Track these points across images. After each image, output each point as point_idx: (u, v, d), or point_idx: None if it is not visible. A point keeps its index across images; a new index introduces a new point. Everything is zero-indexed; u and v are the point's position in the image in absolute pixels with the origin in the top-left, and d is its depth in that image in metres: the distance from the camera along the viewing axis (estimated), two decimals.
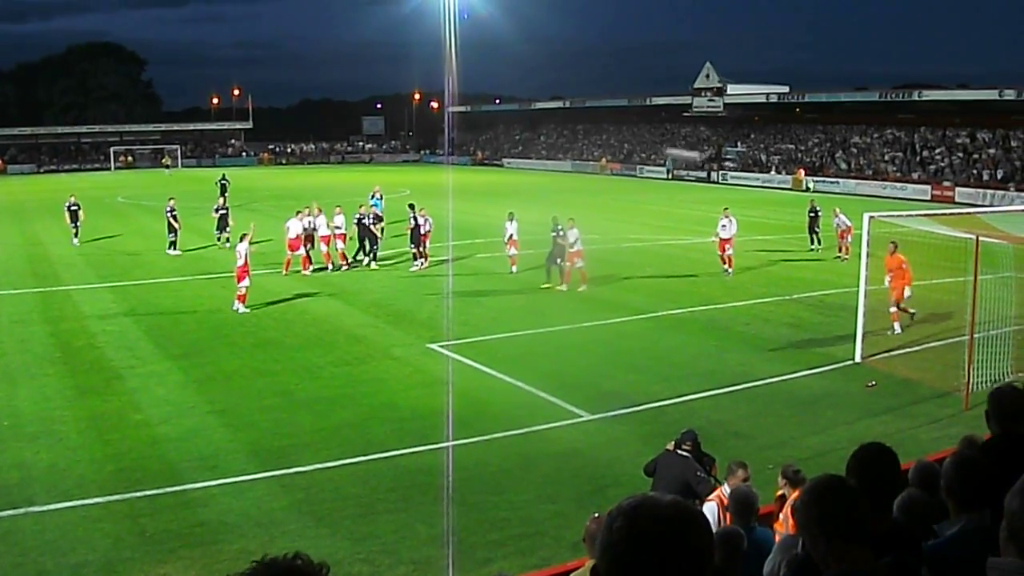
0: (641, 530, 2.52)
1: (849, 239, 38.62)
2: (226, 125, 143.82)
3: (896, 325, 25.67)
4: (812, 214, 42.72)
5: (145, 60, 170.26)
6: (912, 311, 26.31)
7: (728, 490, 10.90)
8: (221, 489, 15.04)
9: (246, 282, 29.14)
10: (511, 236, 36.07)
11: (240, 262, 29.26)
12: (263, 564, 2.58)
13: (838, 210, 40.35)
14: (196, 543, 13.07)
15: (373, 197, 44.17)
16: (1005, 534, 3.56)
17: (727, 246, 36.07)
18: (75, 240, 45.28)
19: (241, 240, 30.31)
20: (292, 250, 36.12)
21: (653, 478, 12.14)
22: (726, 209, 37.43)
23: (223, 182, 62.90)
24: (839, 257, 39.12)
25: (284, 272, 35.29)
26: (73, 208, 46.05)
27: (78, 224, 45.73)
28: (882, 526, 4.48)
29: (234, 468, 15.90)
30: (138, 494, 14.73)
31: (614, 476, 15.34)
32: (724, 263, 35.96)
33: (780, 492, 10.58)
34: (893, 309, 25.78)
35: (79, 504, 14.37)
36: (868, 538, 3.84)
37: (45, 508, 14.21)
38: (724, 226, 36.28)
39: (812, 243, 42.35)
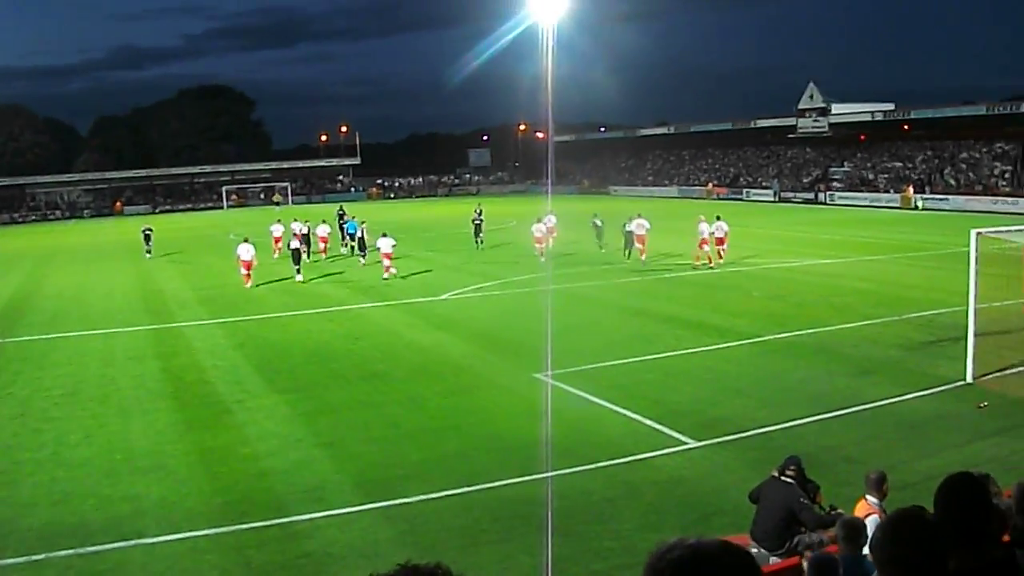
0: None
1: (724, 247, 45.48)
2: (335, 161, 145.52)
3: None
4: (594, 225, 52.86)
5: (255, 100, 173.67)
6: None
7: (875, 501, 10.73)
8: (326, 521, 15.07)
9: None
10: (379, 248, 44.87)
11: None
12: (406, 569, 2.50)
13: (703, 218, 45.59)
14: (300, 575, 13.10)
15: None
16: None
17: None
18: (148, 255, 58.00)
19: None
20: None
21: (757, 505, 11.93)
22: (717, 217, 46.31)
23: (340, 212, 64.55)
24: (705, 264, 44.52)
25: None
26: (147, 232, 59.60)
27: (150, 244, 58.89)
28: (973, 560, 4.23)
29: (340, 500, 15.91)
30: (245, 526, 14.84)
31: (719, 504, 15.09)
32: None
33: None
34: None
35: (187, 536, 14.52)
36: (945, 572, 3.65)
37: (154, 540, 14.39)
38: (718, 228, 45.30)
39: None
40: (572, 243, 54.21)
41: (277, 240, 55.70)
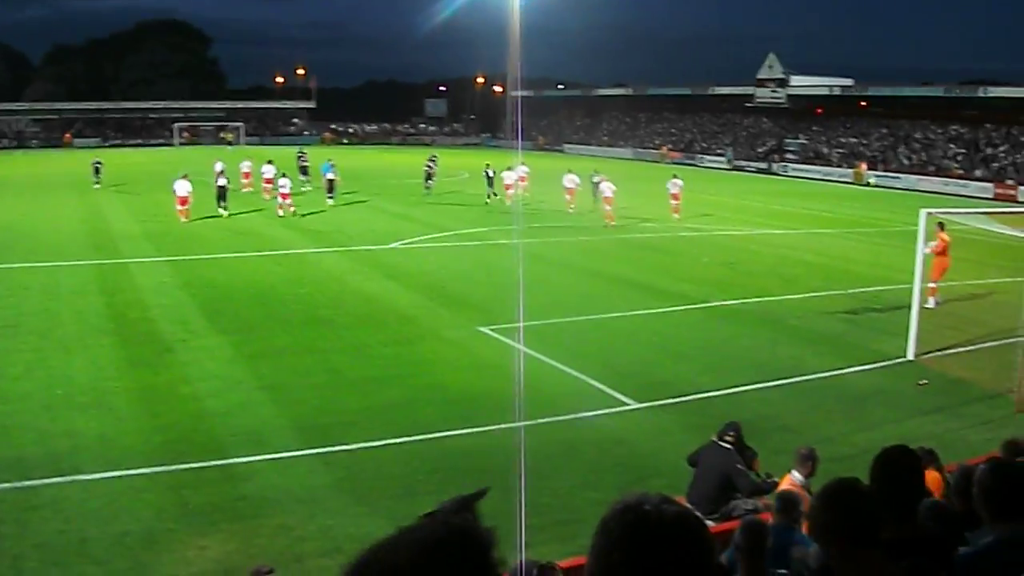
0: (647, 555, 2.42)
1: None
2: (289, 104, 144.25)
3: (931, 300, 26.83)
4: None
5: (211, 38, 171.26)
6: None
7: (799, 478, 10.85)
8: (264, 464, 15.09)
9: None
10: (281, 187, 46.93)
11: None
12: (435, 519, 2.48)
13: (603, 176, 48.47)
14: (237, 517, 13.11)
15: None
16: None
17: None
18: (96, 186, 59.18)
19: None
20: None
21: (694, 469, 12.06)
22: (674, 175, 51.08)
23: (300, 154, 64.17)
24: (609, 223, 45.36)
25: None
26: (97, 165, 60.78)
27: (100, 176, 60.06)
28: (904, 531, 4.32)
29: (279, 444, 15.93)
30: (183, 466, 14.84)
31: (656, 466, 15.24)
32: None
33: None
34: (931, 284, 26.82)
35: (125, 474, 14.48)
36: (878, 542, 3.73)
37: (92, 476, 14.36)
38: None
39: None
40: (530, 199, 54.64)
41: (246, 175, 58.61)
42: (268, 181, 53.92)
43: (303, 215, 45.88)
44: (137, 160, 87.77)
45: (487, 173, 55.61)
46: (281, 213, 45.63)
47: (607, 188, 46.07)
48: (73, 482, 14.16)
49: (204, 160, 61.90)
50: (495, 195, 54.79)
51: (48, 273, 30.66)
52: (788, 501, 9.34)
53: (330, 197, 51.65)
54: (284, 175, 48.33)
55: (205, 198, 45.85)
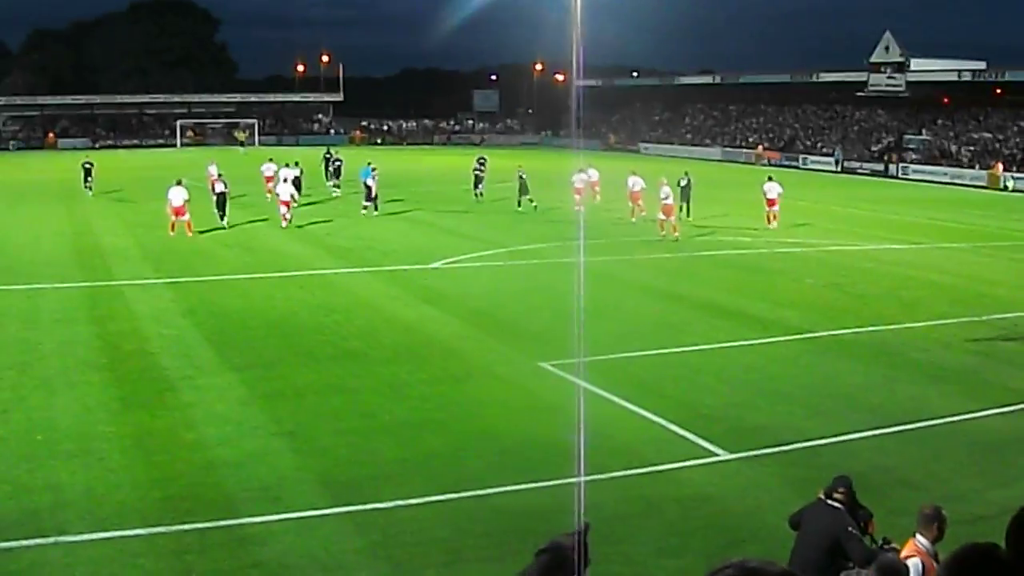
0: None
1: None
2: (312, 97, 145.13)
3: None
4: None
5: (219, 20, 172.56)
6: None
7: (924, 543, 10.74)
8: (284, 525, 15.15)
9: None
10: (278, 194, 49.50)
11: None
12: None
13: (664, 180, 47.12)
14: None
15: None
16: None
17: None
18: (89, 193, 61.53)
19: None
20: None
21: (797, 532, 11.99)
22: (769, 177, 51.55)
23: (328, 156, 65.32)
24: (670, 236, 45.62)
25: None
26: (87, 166, 62.94)
27: (91, 180, 62.20)
28: None
29: (300, 501, 15.96)
30: (186, 527, 14.88)
31: (752, 528, 15.15)
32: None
33: None
34: None
35: (117, 535, 14.58)
36: None
37: (78, 538, 14.44)
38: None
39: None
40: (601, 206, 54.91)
41: (269, 180, 58.78)
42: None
43: (303, 225, 46.34)
44: (133, 164, 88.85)
45: (520, 176, 55.66)
46: (284, 225, 47.07)
47: (666, 193, 45.91)
48: (56, 544, 14.26)
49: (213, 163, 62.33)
50: (521, 200, 55.23)
51: (28, 297, 31.05)
52: (891, 571, 9.27)
53: (371, 205, 53.03)
54: (286, 180, 49.93)
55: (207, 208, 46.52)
